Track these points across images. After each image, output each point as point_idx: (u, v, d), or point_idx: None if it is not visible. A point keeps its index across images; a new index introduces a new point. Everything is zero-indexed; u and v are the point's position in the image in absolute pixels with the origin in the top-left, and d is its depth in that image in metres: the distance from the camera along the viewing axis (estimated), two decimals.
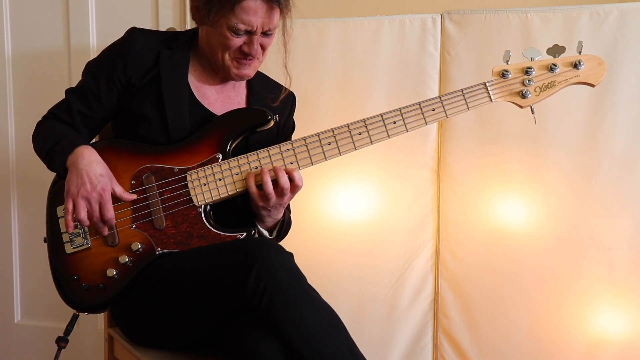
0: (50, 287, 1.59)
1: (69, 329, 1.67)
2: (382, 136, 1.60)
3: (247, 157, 1.58)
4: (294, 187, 1.56)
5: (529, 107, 1.62)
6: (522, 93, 1.60)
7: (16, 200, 2.49)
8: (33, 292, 2.49)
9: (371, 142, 1.60)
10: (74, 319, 1.67)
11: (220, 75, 1.68)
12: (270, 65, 1.75)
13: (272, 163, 1.57)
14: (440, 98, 1.60)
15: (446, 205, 2.11)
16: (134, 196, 1.56)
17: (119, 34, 1.67)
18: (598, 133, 1.96)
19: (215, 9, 1.53)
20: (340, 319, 1.43)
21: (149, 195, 1.57)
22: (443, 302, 2.13)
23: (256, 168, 1.57)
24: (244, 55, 1.59)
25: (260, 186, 1.55)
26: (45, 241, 1.60)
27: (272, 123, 1.61)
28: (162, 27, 2.31)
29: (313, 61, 2.11)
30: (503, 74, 1.61)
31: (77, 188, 1.50)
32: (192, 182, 1.57)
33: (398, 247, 2.13)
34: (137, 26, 1.68)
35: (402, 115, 1.59)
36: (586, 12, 1.95)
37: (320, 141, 1.59)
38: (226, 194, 1.57)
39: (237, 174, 1.58)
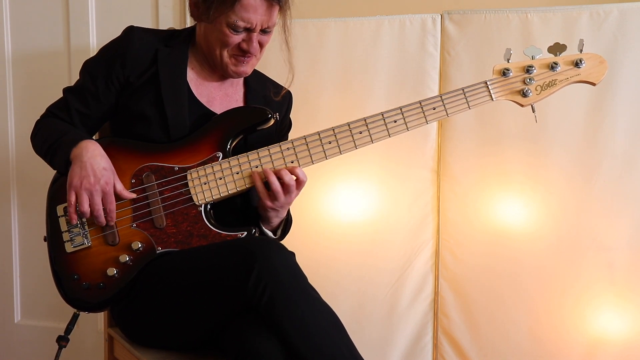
0: (50, 287, 1.58)
1: (69, 328, 1.67)
2: (382, 135, 1.60)
3: (248, 156, 1.58)
4: (299, 183, 1.57)
5: (530, 106, 1.61)
6: (523, 92, 1.60)
7: (16, 200, 2.49)
8: (33, 292, 2.49)
9: (372, 141, 1.60)
10: (75, 318, 1.66)
11: (218, 72, 1.68)
12: (273, 63, 1.75)
13: (272, 162, 1.57)
14: (441, 97, 1.60)
15: (446, 205, 2.11)
16: (133, 195, 1.56)
17: (118, 34, 1.67)
18: (598, 133, 1.96)
19: (214, 6, 1.53)
20: (340, 320, 1.43)
21: (149, 194, 1.56)
22: (443, 302, 2.13)
23: (257, 167, 1.57)
24: (242, 53, 1.60)
25: (267, 185, 1.55)
26: (45, 240, 1.60)
27: (272, 121, 1.61)
28: (162, 27, 2.31)
29: (313, 61, 2.12)
30: (504, 73, 1.61)
31: (81, 180, 1.50)
32: (192, 180, 1.57)
33: (398, 247, 2.13)
34: (136, 25, 1.68)
35: (402, 114, 1.59)
36: (586, 12, 1.95)
37: (320, 140, 1.59)
38: (226, 193, 1.57)
39: (237, 173, 1.58)
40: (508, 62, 1.61)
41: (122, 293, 1.55)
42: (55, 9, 2.38)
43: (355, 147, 1.60)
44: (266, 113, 1.61)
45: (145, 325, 1.57)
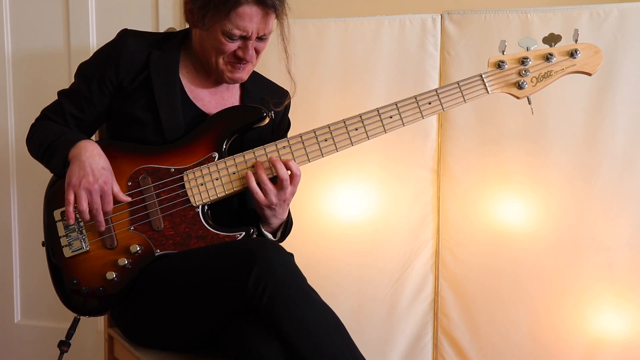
0: (50, 287, 1.59)
1: (70, 333, 1.66)
2: (378, 131, 1.58)
3: (244, 156, 1.57)
4: (293, 177, 1.55)
5: (526, 98, 1.60)
6: (519, 84, 1.59)
7: (16, 200, 2.49)
8: (33, 292, 2.49)
9: (367, 138, 1.58)
10: (75, 322, 1.66)
11: (213, 77, 1.67)
12: (273, 72, 1.75)
13: (267, 161, 1.56)
14: (436, 91, 1.59)
15: (446, 205, 2.11)
16: (129, 198, 1.55)
17: None
18: (598, 133, 1.96)
19: (210, 14, 1.50)
20: (340, 321, 1.43)
21: (146, 196, 1.56)
22: (443, 302, 2.13)
23: (252, 167, 1.56)
24: (238, 60, 1.58)
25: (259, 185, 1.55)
26: (43, 245, 1.59)
27: (267, 120, 1.60)
28: (162, 27, 2.31)
29: (313, 61, 2.11)
30: (499, 65, 1.60)
31: (79, 179, 1.49)
32: (189, 182, 1.56)
33: (398, 247, 2.13)
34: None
35: (398, 109, 1.58)
36: (586, 12, 1.95)
37: (316, 137, 1.58)
38: (224, 194, 1.57)
39: (234, 173, 1.57)
40: (503, 54, 1.60)
41: (121, 296, 1.55)
42: (55, 9, 2.38)
43: (352, 143, 1.58)
44: (261, 111, 1.60)
45: (145, 326, 1.57)
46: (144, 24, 2.32)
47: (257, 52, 1.60)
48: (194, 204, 1.56)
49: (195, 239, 1.55)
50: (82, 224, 1.55)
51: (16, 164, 2.46)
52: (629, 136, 1.95)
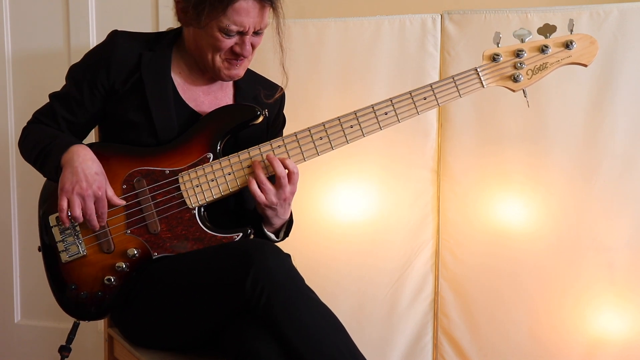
0: None
1: (70, 338, 1.65)
2: (374, 128, 1.57)
3: (239, 156, 1.56)
4: (291, 175, 1.54)
5: (522, 91, 1.59)
6: (514, 77, 1.57)
7: (16, 200, 2.49)
8: (33, 292, 2.49)
9: (363, 135, 1.57)
10: (75, 327, 1.65)
11: (207, 75, 1.65)
12: (267, 65, 1.75)
13: (264, 161, 1.55)
14: (431, 86, 1.57)
15: (446, 205, 2.11)
16: (123, 202, 1.53)
17: None
18: (598, 133, 1.96)
19: (206, 11, 1.48)
20: (339, 320, 1.43)
21: (142, 199, 1.55)
22: (443, 302, 2.13)
23: (248, 167, 1.55)
24: (235, 56, 1.57)
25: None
26: (39, 250, 1.58)
27: (261, 118, 1.59)
28: (162, 27, 2.31)
29: (313, 61, 2.11)
30: (494, 58, 1.58)
31: (72, 185, 1.48)
32: (185, 184, 1.55)
33: (398, 247, 2.13)
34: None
35: (393, 105, 1.57)
36: (586, 12, 1.94)
37: (311, 136, 1.56)
38: (219, 195, 1.56)
39: (229, 174, 1.56)
40: (498, 46, 1.58)
41: (120, 299, 1.55)
42: (55, 9, 2.38)
43: (347, 141, 1.57)
44: (255, 110, 1.58)
45: (145, 327, 1.57)
46: (144, 24, 2.32)
47: (253, 47, 1.58)
48: (190, 206, 1.55)
49: (193, 241, 1.54)
50: (78, 228, 1.54)
51: (16, 164, 2.46)
52: (629, 136, 1.95)
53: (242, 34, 1.53)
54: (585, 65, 1.59)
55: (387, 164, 2.11)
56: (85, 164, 1.49)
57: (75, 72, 1.63)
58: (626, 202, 1.96)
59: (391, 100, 1.57)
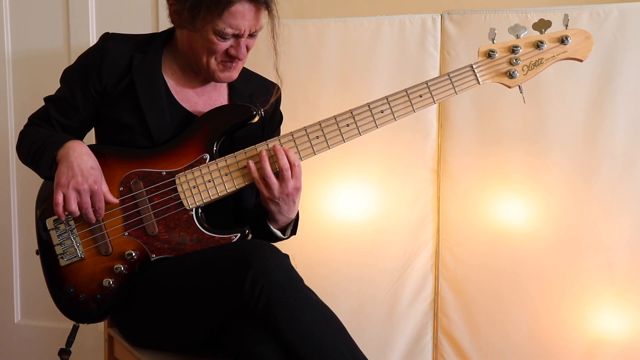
0: None
1: (70, 341, 1.65)
2: (370, 126, 1.56)
3: (235, 157, 1.56)
4: (293, 167, 1.53)
5: (517, 87, 1.58)
6: (510, 73, 1.57)
7: (16, 200, 2.49)
8: (33, 292, 2.49)
9: (359, 133, 1.56)
10: (75, 330, 1.65)
11: (201, 77, 1.65)
12: (261, 70, 1.74)
13: (270, 150, 1.55)
14: (426, 83, 1.57)
15: (446, 205, 2.11)
16: (117, 200, 1.53)
17: None
18: (598, 133, 1.96)
19: (201, 15, 1.47)
20: (339, 320, 1.43)
21: (139, 201, 1.54)
22: (443, 302, 2.13)
23: (244, 167, 1.55)
24: (230, 59, 1.56)
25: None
26: (37, 254, 1.58)
27: (257, 118, 1.58)
28: (162, 27, 2.30)
29: (313, 61, 2.11)
30: (489, 54, 1.57)
31: (68, 180, 1.47)
32: (181, 185, 1.54)
33: (398, 247, 2.13)
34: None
35: (389, 103, 1.56)
36: (586, 12, 1.94)
37: (308, 135, 1.56)
38: (217, 196, 1.55)
39: (226, 175, 1.55)
40: (493, 42, 1.58)
41: (119, 302, 1.54)
42: (55, 9, 2.38)
43: (344, 140, 1.56)
44: (251, 110, 1.58)
45: (144, 327, 1.56)
46: (144, 24, 2.32)
47: (247, 49, 1.58)
48: (188, 207, 1.54)
49: (191, 243, 1.53)
50: (75, 231, 1.54)
51: (16, 164, 2.46)
52: (629, 136, 1.95)
53: (237, 36, 1.53)
54: (581, 60, 1.59)
55: (387, 163, 2.11)
56: (80, 159, 1.49)
57: (68, 76, 1.64)
58: (626, 202, 1.96)
59: (387, 98, 1.56)
